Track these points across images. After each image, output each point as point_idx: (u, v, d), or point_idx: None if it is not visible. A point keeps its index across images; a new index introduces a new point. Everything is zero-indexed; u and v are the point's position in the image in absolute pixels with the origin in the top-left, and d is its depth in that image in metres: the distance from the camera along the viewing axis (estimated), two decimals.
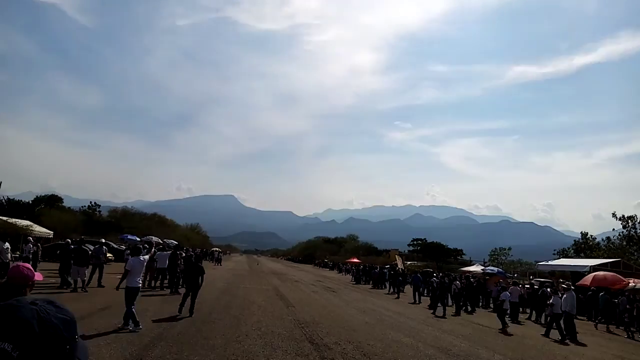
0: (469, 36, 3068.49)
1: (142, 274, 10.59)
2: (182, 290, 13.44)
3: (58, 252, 20.38)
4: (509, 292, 18.32)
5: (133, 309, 9.54)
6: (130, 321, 9.44)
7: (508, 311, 17.80)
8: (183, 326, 10.43)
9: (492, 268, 35.19)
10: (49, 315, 1.41)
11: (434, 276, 27.07)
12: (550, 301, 16.41)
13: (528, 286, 26.00)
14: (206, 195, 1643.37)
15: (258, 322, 12.02)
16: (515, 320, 19.87)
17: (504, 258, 58.02)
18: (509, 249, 59.51)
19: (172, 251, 19.62)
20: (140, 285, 10.18)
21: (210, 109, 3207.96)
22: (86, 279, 16.06)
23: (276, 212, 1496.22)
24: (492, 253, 59.58)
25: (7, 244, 16.07)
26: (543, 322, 19.59)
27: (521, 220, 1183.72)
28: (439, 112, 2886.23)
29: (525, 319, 21.86)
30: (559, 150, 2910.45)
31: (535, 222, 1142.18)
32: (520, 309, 22.60)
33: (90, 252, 17.20)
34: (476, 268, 37.32)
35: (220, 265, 50.07)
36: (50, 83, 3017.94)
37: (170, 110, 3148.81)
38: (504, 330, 15.66)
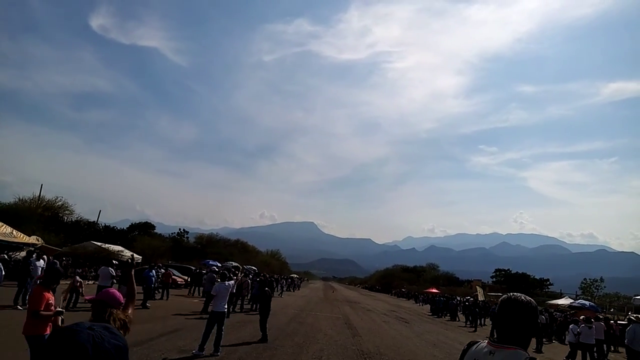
0: (558, 54, 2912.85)
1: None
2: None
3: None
4: (593, 327, 16.44)
5: (222, 333, 10.01)
6: (213, 345, 9.81)
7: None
8: (244, 351, 10.66)
9: (583, 302, 31.97)
10: (103, 341, 1.59)
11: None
12: (578, 330, 15.42)
13: (625, 322, 23.50)
14: (287, 222, 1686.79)
15: (320, 350, 11.96)
16: (602, 358, 17.91)
17: (596, 291, 52.94)
18: (601, 280, 54.47)
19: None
20: (226, 309, 10.60)
21: (293, 139, 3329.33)
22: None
23: (355, 240, 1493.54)
24: (583, 284, 54.87)
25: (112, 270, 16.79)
26: None
27: (620, 250, 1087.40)
28: (527, 135, 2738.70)
29: None
30: None
31: (638, 252, 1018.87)
32: (612, 348, 21.30)
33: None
34: (565, 301, 34.14)
35: (299, 290, 50.88)
36: (149, 119, 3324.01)
37: (256, 141, 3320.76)
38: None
